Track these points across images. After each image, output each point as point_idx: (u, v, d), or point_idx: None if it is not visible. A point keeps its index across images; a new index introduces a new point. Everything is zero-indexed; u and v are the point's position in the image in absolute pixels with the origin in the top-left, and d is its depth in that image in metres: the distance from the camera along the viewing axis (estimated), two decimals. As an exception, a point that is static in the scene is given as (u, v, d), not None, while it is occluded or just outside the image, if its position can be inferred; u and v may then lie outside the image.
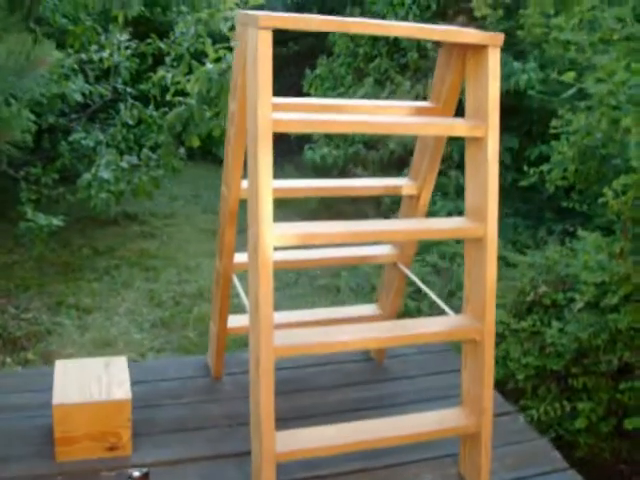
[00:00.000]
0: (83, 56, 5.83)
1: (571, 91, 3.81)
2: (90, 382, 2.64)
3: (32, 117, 5.64)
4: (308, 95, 7.13)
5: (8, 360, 4.60)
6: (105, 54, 5.85)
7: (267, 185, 2.20)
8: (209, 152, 8.43)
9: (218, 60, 5.06)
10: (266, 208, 2.21)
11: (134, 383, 2.91)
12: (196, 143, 5.74)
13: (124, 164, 6.21)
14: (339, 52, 7.12)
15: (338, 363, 3.35)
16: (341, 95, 6.92)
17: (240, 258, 2.88)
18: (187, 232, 7.16)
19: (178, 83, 5.52)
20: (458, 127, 2.47)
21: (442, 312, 2.73)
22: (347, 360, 3.37)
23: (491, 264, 2.48)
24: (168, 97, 5.67)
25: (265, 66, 2.17)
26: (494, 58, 2.41)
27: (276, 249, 2.27)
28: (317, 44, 7.99)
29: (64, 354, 4.69)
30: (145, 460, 2.62)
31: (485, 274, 2.48)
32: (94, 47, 5.91)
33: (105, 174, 5.82)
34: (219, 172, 8.46)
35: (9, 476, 2.47)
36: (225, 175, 2.82)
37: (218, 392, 3.07)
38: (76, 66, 5.91)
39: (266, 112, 2.18)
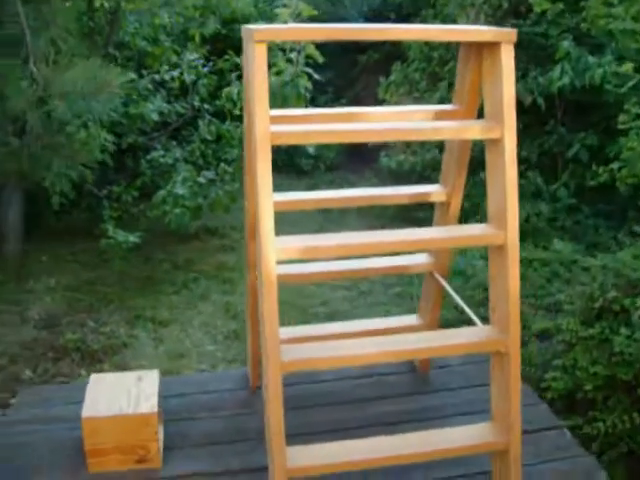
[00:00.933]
0: (156, 76, 6.02)
1: (631, 83, 3.58)
2: (120, 395, 2.71)
3: (110, 138, 5.90)
4: (383, 102, 7.08)
5: (83, 372, 4.79)
6: (176, 73, 6.03)
7: (267, 197, 2.19)
8: (291, 163, 8.56)
9: (279, 73, 5.11)
10: (267, 221, 2.20)
11: (173, 396, 2.97)
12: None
13: (201, 179, 6.37)
14: (414, 57, 7.02)
15: (381, 375, 3.29)
16: (417, 100, 6.82)
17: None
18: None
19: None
20: (471, 129, 2.37)
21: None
22: (390, 372, 3.30)
23: (513, 272, 2.36)
24: (237, 111, 5.78)
25: (261, 78, 2.16)
26: (507, 55, 2.30)
27: (280, 263, 2.25)
28: (394, 51, 7.92)
29: (137, 366, 4.85)
30: (173, 473, 2.67)
31: (507, 283, 2.36)
32: (166, 67, 6.10)
33: (180, 190, 5.99)
34: (301, 182, 8.59)
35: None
36: (246, 189, 2.83)
37: (253, 405, 3.07)
38: (150, 86, 6.11)
39: (263, 124, 2.17)
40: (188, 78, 6.07)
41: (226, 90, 5.71)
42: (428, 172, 6.66)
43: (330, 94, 8.76)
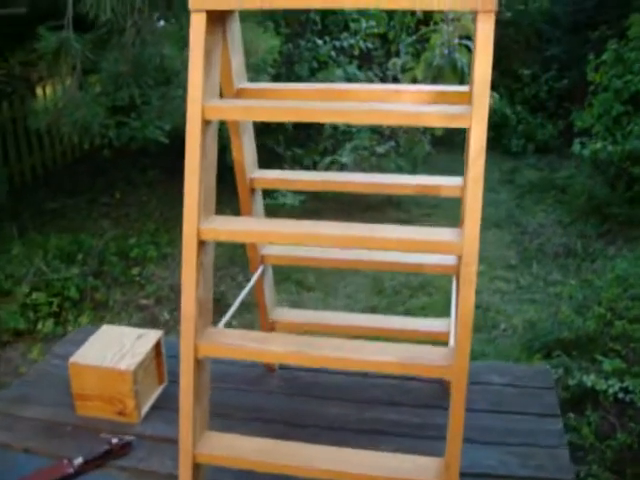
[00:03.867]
0: (336, 43, 6.02)
1: None
2: (112, 348, 2.83)
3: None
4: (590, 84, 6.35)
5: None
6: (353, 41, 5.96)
7: (194, 174, 2.09)
8: (498, 142, 8.05)
9: (432, 47, 4.82)
10: (193, 198, 2.10)
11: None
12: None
13: (380, 149, 6.28)
14: (634, 35, 6.13)
15: (403, 379, 3.02)
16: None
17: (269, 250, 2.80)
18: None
19: (411, 69, 5.38)
20: (428, 116, 2.02)
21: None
22: (412, 377, 3.01)
23: (466, 292, 2.00)
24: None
25: (196, 50, 2.05)
26: (484, 26, 1.91)
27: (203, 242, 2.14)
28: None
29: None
30: (145, 432, 2.74)
31: (459, 302, 2.01)
32: (346, 34, 6.06)
33: (344, 158, 5.96)
34: (505, 161, 7.99)
35: (30, 416, 2.81)
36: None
37: (259, 384, 3.01)
38: (333, 53, 6.12)
39: (196, 98, 2.07)
40: (364, 45, 5.95)
41: (392, 61, 5.51)
42: (627, 164, 5.86)
43: (553, 71, 8.03)
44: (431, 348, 2.14)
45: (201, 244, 2.13)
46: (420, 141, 6.02)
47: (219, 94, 2.21)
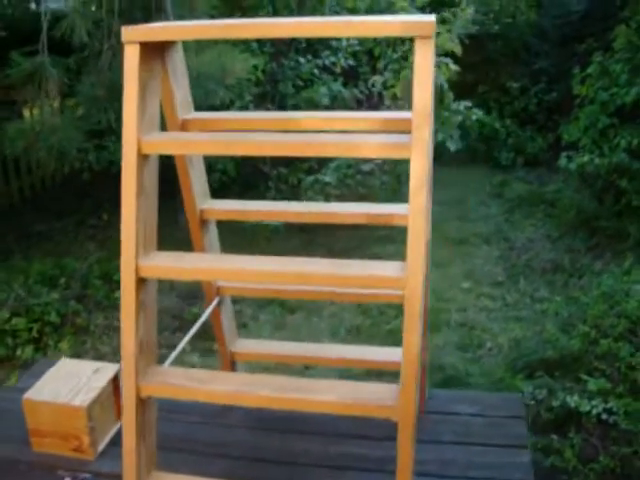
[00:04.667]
0: (318, 61, 5.99)
1: None
2: (68, 383, 2.77)
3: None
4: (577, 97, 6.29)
5: (188, 348, 4.98)
6: (334, 59, 5.93)
7: (130, 208, 2.05)
8: (489, 155, 8.00)
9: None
10: (129, 233, 2.06)
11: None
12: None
13: (365, 167, 6.23)
14: (619, 47, 6.06)
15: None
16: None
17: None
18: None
19: (392, 87, 5.35)
20: (366, 146, 1.96)
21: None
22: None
23: (411, 325, 1.94)
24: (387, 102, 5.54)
25: (130, 83, 2.01)
26: (423, 53, 1.86)
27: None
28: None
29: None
30: (101, 469, 2.67)
31: (405, 338, 1.95)
32: (327, 52, 6.03)
33: (328, 177, 5.91)
34: (496, 177, 7.93)
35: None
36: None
37: (225, 417, 2.94)
38: (316, 71, 6.09)
39: (131, 132, 2.02)
40: (345, 63, 5.92)
41: (373, 79, 5.48)
42: (614, 177, 5.78)
43: (542, 84, 7.98)
44: (379, 386, 2.08)
45: (141, 281, 2.08)
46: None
47: (158, 126, 2.16)
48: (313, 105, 6.34)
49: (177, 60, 2.28)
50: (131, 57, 2.01)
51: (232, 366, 2.96)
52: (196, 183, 2.47)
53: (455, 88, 5.80)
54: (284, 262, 2.11)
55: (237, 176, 6.41)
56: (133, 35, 1.99)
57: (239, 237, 6.57)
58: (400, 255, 2.27)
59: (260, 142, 2.02)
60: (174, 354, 2.45)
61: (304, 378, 2.21)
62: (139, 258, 2.06)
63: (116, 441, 2.83)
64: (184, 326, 5.26)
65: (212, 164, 5.85)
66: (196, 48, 4.72)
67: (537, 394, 3.97)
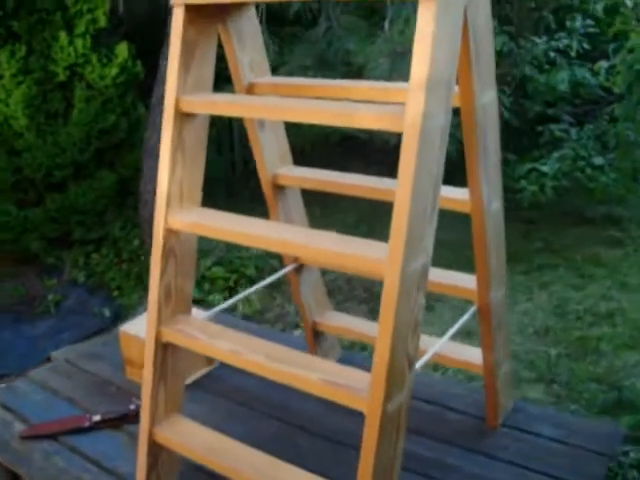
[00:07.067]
0: (553, 43, 5.53)
1: None
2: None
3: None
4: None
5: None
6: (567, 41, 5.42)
7: (166, 165, 2.16)
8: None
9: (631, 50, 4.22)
10: (163, 189, 2.17)
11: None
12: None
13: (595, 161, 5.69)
14: None
15: (439, 406, 2.76)
16: None
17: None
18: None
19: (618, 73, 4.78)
20: (358, 117, 1.81)
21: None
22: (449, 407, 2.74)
23: (386, 314, 1.79)
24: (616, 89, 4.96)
25: (175, 44, 2.11)
26: (425, 14, 1.69)
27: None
28: None
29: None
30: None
31: (380, 325, 1.81)
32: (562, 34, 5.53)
33: (546, 167, 5.49)
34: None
35: (91, 370, 3.15)
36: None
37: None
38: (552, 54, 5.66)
39: (171, 90, 2.13)
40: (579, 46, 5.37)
41: (597, 65, 4.93)
42: None
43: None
44: (356, 372, 1.94)
45: (169, 232, 2.19)
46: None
47: (211, 88, 2.23)
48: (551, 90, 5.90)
49: (245, 23, 2.32)
50: (177, 19, 2.10)
51: (314, 335, 2.96)
52: (268, 147, 2.51)
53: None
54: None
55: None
56: (180, -1, 2.08)
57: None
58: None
59: (275, 107, 2.02)
60: (217, 308, 2.54)
61: (310, 355, 2.15)
62: (169, 211, 2.17)
63: (198, 382, 3.02)
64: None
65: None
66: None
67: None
